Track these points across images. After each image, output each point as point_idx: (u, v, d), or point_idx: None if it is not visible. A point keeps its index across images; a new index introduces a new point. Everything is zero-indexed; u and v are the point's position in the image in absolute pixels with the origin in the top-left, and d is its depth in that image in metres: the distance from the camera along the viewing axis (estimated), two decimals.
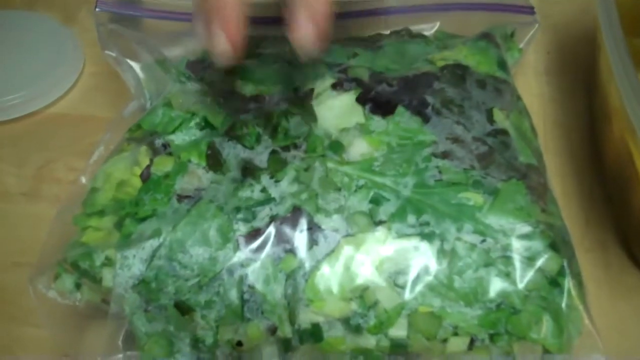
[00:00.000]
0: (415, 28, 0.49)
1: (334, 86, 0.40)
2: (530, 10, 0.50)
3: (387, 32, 0.49)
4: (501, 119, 0.39)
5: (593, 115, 0.48)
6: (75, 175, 0.50)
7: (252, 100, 0.40)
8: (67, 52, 0.56)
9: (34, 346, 0.42)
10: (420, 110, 0.38)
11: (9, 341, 0.42)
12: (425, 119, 0.38)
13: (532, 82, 0.52)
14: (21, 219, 0.48)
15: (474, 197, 0.35)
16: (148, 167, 0.37)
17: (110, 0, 0.48)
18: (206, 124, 0.39)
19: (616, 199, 0.44)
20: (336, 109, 0.39)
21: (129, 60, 0.46)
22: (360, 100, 0.39)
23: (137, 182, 0.37)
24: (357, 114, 0.38)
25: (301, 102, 0.39)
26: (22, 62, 0.55)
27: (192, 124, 0.39)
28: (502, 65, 0.43)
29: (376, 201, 0.35)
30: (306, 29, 0.33)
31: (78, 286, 0.36)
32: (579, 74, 0.52)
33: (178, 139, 0.39)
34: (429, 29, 0.50)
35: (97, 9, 0.48)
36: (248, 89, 0.41)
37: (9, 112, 0.53)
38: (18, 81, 0.53)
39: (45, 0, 0.61)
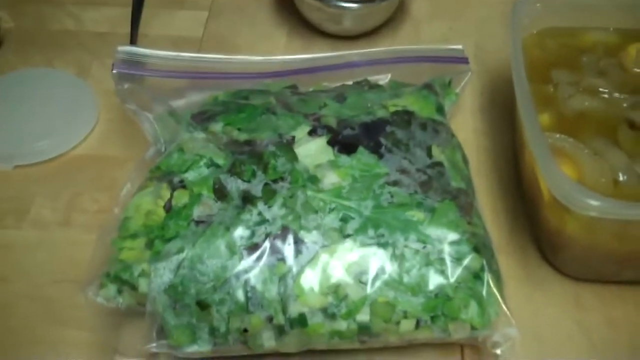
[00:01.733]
0: (372, 78, 0.61)
1: (310, 133, 0.51)
2: (465, 60, 0.62)
3: (351, 82, 0.60)
4: (438, 154, 0.51)
5: (514, 145, 0.60)
6: (99, 206, 0.61)
7: (246, 145, 0.52)
8: (84, 102, 0.67)
9: (76, 345, 0.52)
10: (376, 150, 0.50)
11: (55, 341, 0.53)
12: (380, 156, 0.50)
13: (468, 119, 0.64)
14: (57, 244, 0.58)
15: (417, 215, 0.47)
16: (169, 200, 0.49)
17: (123, 63, 0.59)
18: (212, 164, 0.51)
19: (531, 212, 0.56)
20: (312, 151, 0.50)
21: (146, 113, 0.57)
22: (330, 143, 0.51)
23: (162, 212, 0.48)
24: (328, 154, 0.50)
25: (285, 146, 0.50)
26: (48, 113, 0.65)
27: (201, 164, 0.51)
28: (440, 109, 0.55)
29: (344, 220, 0.47)
30: None
31: (120, 292, 0.47)
32: (506, 110, 0.64)
33: (190, 176, 0.50)
34: (384, 79, 0.61)
35: (114, 71, 0.59)
36: (242, 136, 0.52)
37: (40, 155, 0.63)
38: (46, 129, 0.64)
39: (62, 57, 0.72)
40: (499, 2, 0.76)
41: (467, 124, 0.63)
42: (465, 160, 0.54)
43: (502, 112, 0.64)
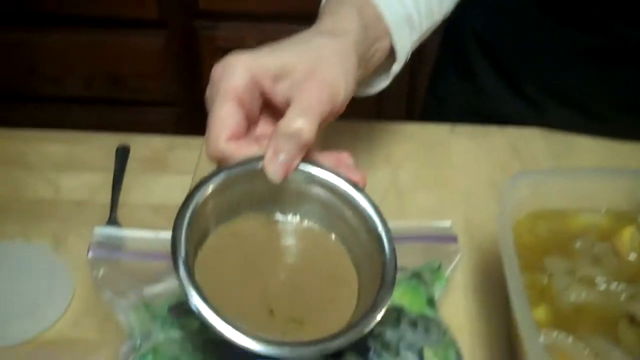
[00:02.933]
0: None
1: None
2: (454, 240, 0.60)
3: None
4: (430, 357, 0.48)
5: (510, 334, 0.57)
6: None
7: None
8: (59, 279, 0.64)
9: None
10: (364, 354, 0.47)
11: None
12: None
13: (460, 300, 0.61)
14: None
15: None
16: None
17: (99, 246, 0.57)
18: None
19: None
20: None
21: (121, 302, 0.54)
22: None
23: None
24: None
25: None
26: (19, 291, 0.62)
27: None
28: (431, 302, 0.53)
29: None
30: (271, 164, 0.46)
31: None
32: (500, 291, 0.61)
33: None
34: None
35: (89, 255, 0.56)
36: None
37: (9, 340, 0.59)
38: (16, 310, 0.61)
39: (37, 227, 0.69)
40: (485, 170, 0.75)
41: (458, 307, 0.61)
42: (459, 357, 0.51)
43: (495, 293, 0.62)
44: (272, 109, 0.50)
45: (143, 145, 0.79)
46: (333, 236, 0.50)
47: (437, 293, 0.56)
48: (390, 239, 0.48)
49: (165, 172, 0.76)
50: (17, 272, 0.64)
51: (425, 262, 0.57)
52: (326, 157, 0.50)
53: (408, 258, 0.58)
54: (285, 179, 0.47)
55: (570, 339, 0.49)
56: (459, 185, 0.73)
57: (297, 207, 0.50)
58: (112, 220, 0.69)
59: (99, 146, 0.78)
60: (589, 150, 0.77)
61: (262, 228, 0.49)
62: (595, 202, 0.58)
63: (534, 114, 0.81)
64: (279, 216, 0.50)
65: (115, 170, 0.75)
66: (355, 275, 0.48)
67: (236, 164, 0.47)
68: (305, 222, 0.50)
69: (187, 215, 0.45)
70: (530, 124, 0.80)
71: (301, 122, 0.45)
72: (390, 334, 0.49)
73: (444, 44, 0.94)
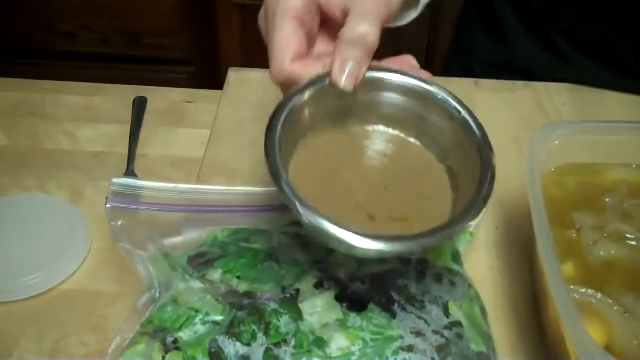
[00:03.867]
0: None
1: (316, 286, 0.47)
2: None
3: None
4: (455, 311, 0.47)
5: (535, 289, 0.56)
6: (87, 351, 0.56)
7: (246, 296, 0.48)
8: (76, 231, 0.63)
9: None
10: (388, 307, 0.46)
11: None
12: (393, 315, 0.46)
13: (483, 256, 0.60)
14: None
15: None
16: None
17: (117, 196, 0.56)
18: (209, 320, 0.47)
19: None
20: (318, 307, 0.46)
21: (140, 252, 0.53)
22: (338, 298, 0.47)
23: None
24: (336, 312, 0.46)
25: (289, 301, 0.46)
26: (37, 243, 0.62)
27: (197, 320, 0.47)
28: (456, 256, 0.52)
29: None
30: (341, 74, 0.44)
31: None
32: (524, 247, 0.60)
33: (185, 335, 0.46)
34: None
35: (107, 206, 0.55)
36: (242, 287, 0.48)
37: (27, 292, 0.59)
38: (34, 262, 0.60)
39: (55, 179, 0.69)
40: (510, 125, 0.73)
41: (482, 261, 0.60)
42: (483, 312, 0.50)
43: (519, 248, 0.61)
44: (327, 26, 0.49)
45: (160, 97, 0.77)
46: (413, 135, 0.48)
47: (462, 248, 0.54)
48: (476, 122, 0.46)
49: (183, 125, 0.75)
50: (35, 224, 0.64)
51: None
52: (390, 62, 0.48)
53: None
54: (356, 87, 0.44)
55: (599, 295, 0.48)
56: None
57: (373, 115, 0.48)
58: (130, 173, 0.69)
59: (117, 98, 0.77)
60: (617, 106, 0.74)
61: (343, 141, 0.48)
62: (625, 157, 0.57)
63: (562, 68, 0.79)
64: (357, 127, 0.48)
65: (132, 122, 0.74)
66: (444, 167, 0.47)
67: (303, 87, 0.45)
68: (383, 127, 0.49)
69: (275, 141, 0.43)
70: (558, 79, 0.77)
71: (364, 27, 0.44)
72: (415, 288, 0.48)
73: None
